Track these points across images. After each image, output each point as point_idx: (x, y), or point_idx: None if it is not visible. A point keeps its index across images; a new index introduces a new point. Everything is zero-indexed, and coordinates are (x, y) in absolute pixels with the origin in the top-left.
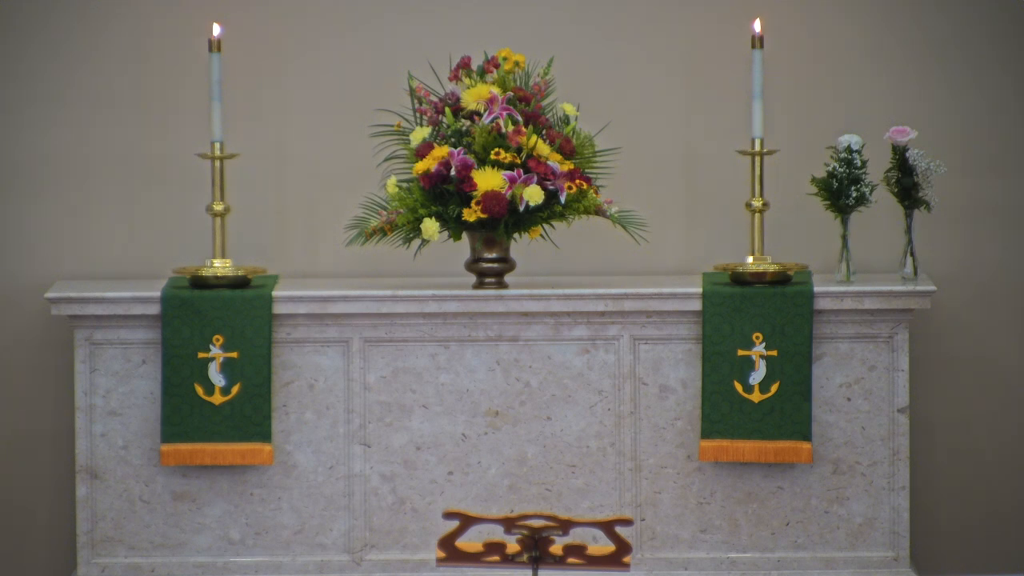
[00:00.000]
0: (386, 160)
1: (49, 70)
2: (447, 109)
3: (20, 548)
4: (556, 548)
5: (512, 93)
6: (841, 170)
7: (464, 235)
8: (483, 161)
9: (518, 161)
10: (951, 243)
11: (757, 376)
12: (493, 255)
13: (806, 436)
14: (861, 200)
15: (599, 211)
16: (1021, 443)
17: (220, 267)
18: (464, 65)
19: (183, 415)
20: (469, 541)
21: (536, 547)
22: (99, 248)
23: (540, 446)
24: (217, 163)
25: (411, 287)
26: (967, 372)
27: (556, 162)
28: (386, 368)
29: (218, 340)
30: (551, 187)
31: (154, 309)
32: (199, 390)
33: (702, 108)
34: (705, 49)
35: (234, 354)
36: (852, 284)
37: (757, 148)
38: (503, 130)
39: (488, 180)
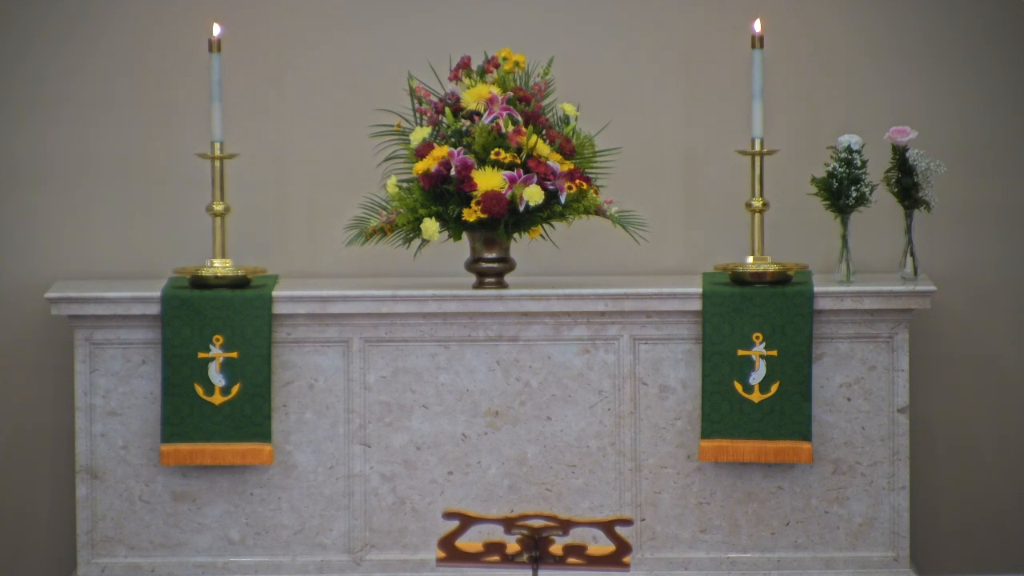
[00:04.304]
0: (386, 160)
1: (49, 70)
2: (447, 109)
3: (20, 548)
4: (556, 548)
5: (512, 93)
6: (841, 170)
7: (464, 235)
8: (483, 161)
9: (518, 161)
10: (951, 243)
11: (757, 376)
12: (493, 255)
13: (806, 436)
14: (861, 200)
15: (599, 211)
16: (1021, 443)
17: (220, 267)
18: (464, 65)
19: (183, 415)
20: (469, 541)
21: (536, 547)
22: (99, 248)
23: (540, 446)
24: (217, 163)
25: (411, 287)
26: (967, 372)
27: (556, 162)
28: (386, 368)
29: (218, 340)
30: (551, 187)
31: (154, 309)
32: (199, 390)
33: (702, 108)
34: (705, 49)
35: (234, 354)
36: (852, 284)
37: (757, 148)
38: (503, 130)
39: (488, 180)
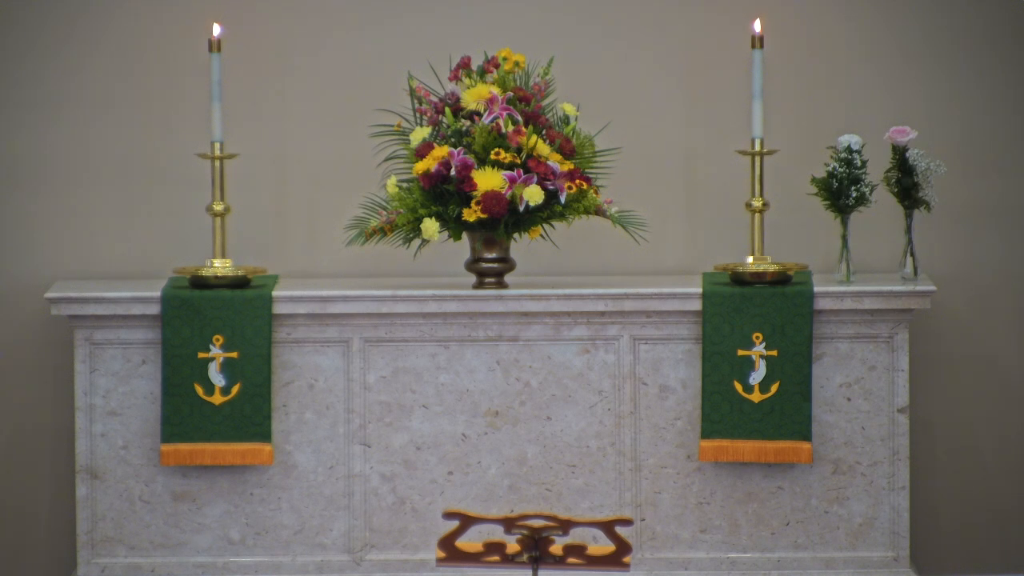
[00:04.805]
0: (386, 160)
1: (49, 71)
2: (447, 109)
3: (20, 548)
4: (556, 548)
5: (512, 93)
6: (841, 170)
7: (464, 235)
8: (483, 161)
9: (518, 161)
10: (951, 243)
11: (757, 376)
12: (493, 255)
13: (806, 436)
14: (861, 200)
15: (599, 211)
16: (1021, 443)
17: (220, 267)
18: (464, 65)
19: (183, 415)
20: (469, 541)
21: (536, 547)
22: (99, 248)
23: (540, 446)
24: (217, 163)
25: (411, 287)
26: (967, 372)
27: (556, 162)
28: (386, 368)
29: (218, 340)
30: (551, 187)
31: (154, 309)
32: (199, 390)
33: (702, 108)
34: (705, 49)
35: (234, 354)
36: (852, 284)
37: (757, 148)
38: (503, 130)
39: (488, 180)
